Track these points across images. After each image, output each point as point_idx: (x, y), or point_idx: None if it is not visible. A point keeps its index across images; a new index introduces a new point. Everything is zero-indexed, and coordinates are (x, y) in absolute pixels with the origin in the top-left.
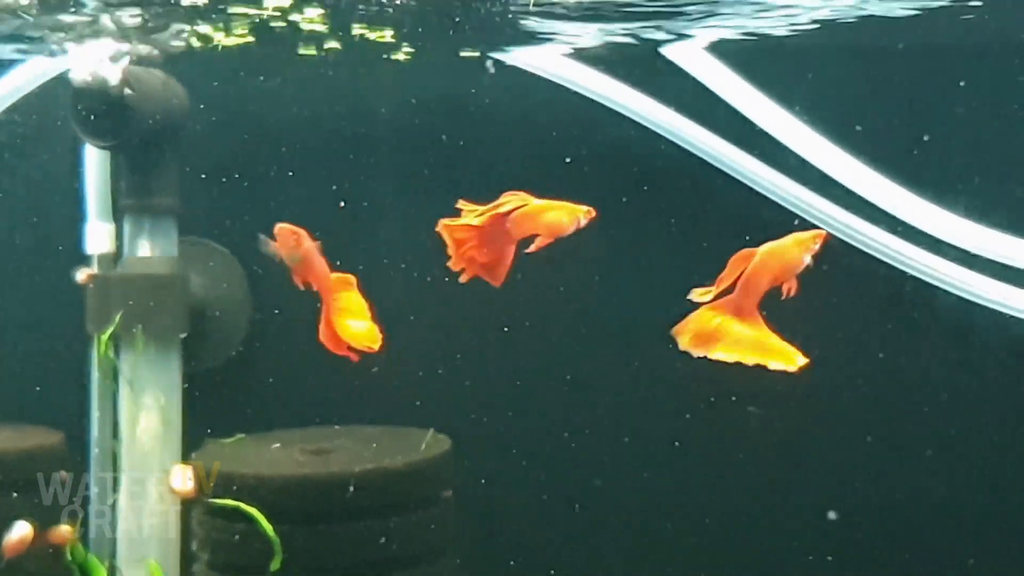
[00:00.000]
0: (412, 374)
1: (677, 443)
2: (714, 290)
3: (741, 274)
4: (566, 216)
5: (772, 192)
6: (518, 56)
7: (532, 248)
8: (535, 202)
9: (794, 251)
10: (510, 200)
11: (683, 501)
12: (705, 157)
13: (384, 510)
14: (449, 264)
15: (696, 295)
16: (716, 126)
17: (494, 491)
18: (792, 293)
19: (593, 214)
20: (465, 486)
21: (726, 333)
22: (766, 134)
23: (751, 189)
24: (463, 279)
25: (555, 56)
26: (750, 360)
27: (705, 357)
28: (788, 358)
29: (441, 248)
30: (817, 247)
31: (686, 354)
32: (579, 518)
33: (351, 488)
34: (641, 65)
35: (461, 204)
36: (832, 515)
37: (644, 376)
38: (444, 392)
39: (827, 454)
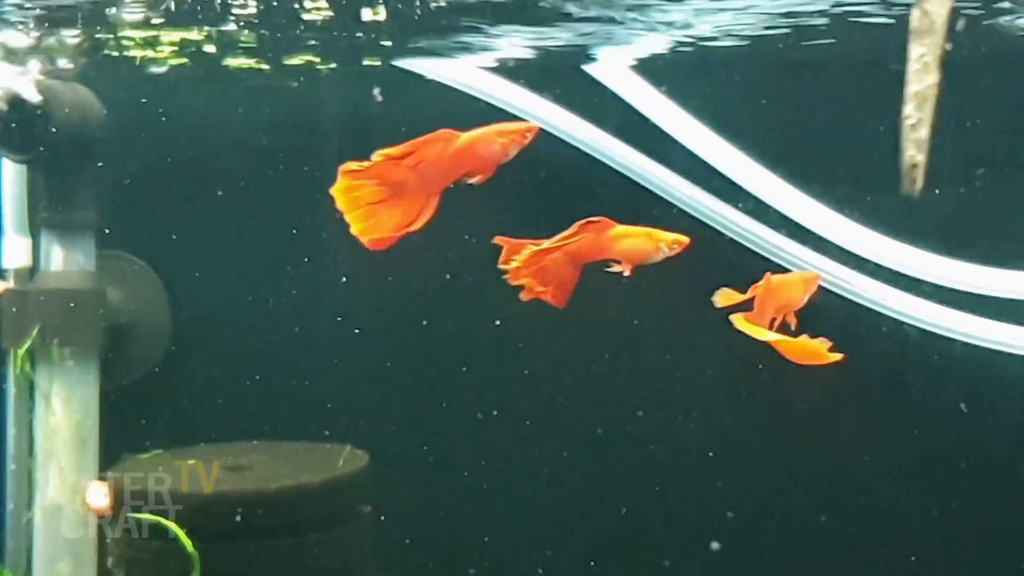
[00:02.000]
0: (330, 389)
1: (598, 455)
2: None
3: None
4: (646, 243)
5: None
6: (436, 68)
7: (620, 269)
8: (615, 228)
9: (797, 288)
10: (587, 227)
11: (605, 515)
12: (623, 169)
13: (301, 526)
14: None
15: (720, 295)
16: (633, 139)
17: (413, 507)
18: (794, 327)
19: (685, 242)
20: (384, 501)
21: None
22: (679, 144)
23: (668, 202)
24: (524, 297)
25: (472, 69)
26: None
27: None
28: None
29: (358, 261)
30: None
31: (600, 363)
32: (499, 533)
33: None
34: (561, 78)
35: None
36: (715, 545)
37: (564, 387)
38: (362, 407)
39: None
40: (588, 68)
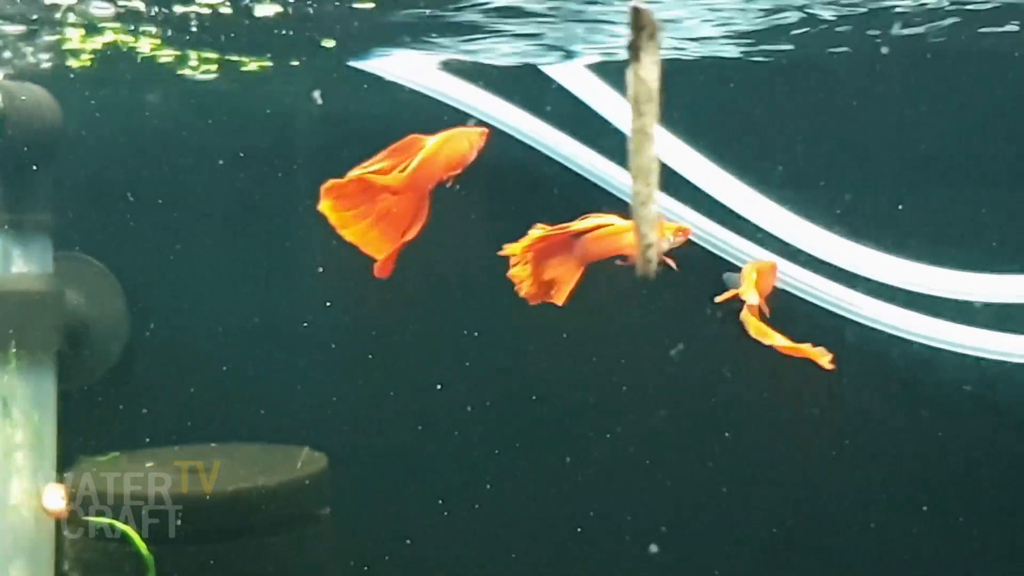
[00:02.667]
0: (289, 390)
1: (552, 457)
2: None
3: None
4: None
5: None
6: (393, 69)
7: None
8: (617, 223)
9: (771, 276)
10: (589, 220)
11: (564, 520)
12: (580, 171)
13: (259, 529)
14: (512, 281)
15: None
16: (593, 140)
17: (373, 508)
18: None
19: (689, 231)
20: (344, 503)
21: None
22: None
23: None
24: (530, 300)
25: (429, 69)
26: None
27: None
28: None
29: (314, 262)
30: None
31: (549, 367)
32: (459, 535)
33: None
34: (518, 79)
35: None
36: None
37: (518, 389)
38: (321, 408)
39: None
40: (546, 68)
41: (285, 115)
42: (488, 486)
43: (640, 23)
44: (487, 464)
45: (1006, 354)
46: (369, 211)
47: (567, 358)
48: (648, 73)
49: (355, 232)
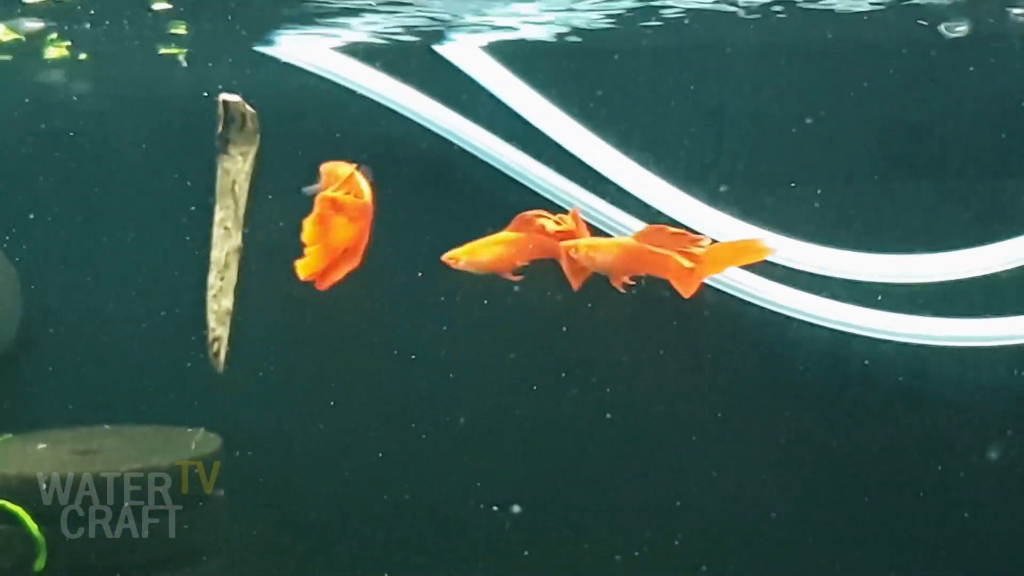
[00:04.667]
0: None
1: (446, 441)
2: None
3: None
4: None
5: (534, 183)
6: (287, 50)
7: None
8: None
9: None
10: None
11: (454, 501)
12: (476, 152)
13: (152, 510)
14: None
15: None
16: (487, 121)
17: (267, 490)
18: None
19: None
20: (238, 485)
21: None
22: (535, 128)
23: (517, 182)
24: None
25: (324, 51)
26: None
27: None
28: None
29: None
30: None
31: (444, 352)
32: (352, 516)
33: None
34: (413, 61)
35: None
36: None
37: (412, 371)
38: (216, 390)
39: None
40: (440, 48)
41: (175, 100)
42: (383, 470)
43: (229, 115)
44: (383, 448)
45: (858, 326)
46: (344, 229)
47: (463, 342)
48: (233, 165)
49: (320, 250)
